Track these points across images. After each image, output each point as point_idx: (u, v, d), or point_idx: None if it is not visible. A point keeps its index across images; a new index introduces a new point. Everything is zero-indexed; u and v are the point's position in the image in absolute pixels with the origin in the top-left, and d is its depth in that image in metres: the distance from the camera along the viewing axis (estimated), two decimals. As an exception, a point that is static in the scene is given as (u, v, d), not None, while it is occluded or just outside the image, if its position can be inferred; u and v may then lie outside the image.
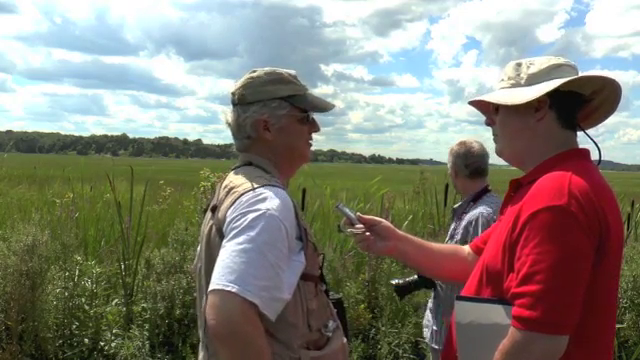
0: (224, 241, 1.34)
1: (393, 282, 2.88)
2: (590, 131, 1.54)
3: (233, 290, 1.23)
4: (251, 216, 1.32)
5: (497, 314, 1.32)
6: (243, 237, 1.30)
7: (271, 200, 1.36)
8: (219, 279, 1.26)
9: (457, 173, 2.94)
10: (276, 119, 1.54)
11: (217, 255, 1.36)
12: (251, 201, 1.36)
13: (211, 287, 1.27)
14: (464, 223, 2.79)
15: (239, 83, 1.58)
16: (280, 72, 1.58)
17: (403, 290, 2.85)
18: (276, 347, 1.34)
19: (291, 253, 1.37)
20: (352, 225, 1.75)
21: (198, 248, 1.74)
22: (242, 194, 1.39)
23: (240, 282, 1.24)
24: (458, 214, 2.91)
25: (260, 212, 1.33)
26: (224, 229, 1.37)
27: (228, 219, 1.37)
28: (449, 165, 3.00)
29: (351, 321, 4.40)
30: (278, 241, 1.32)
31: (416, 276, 2.80)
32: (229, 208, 1.39)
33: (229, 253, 1.29)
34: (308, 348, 1.41)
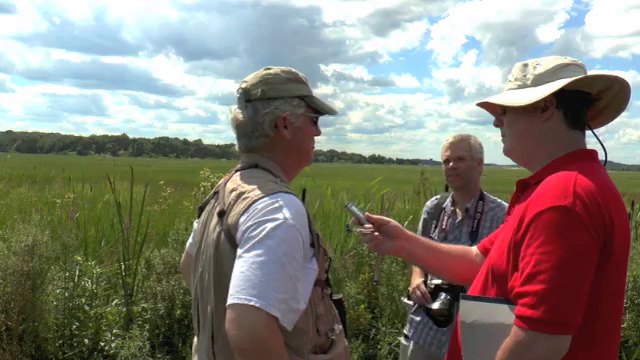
0: (241, 251, 1.30)
1: (434, 307, 2.41)
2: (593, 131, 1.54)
3: (257, 305, 1.21)
4: (269, 225, 1.29)
5: (501, 313, 1.32)
6: (262, 249, 1.26)
7: (287, 208, 1.32)
8: (239, 293, 1.23)
9: (481, 170, 2.78)
10: (295, 117, 1.51)
11: (227, 262, 1.33)
12: (267, 209, 1.32)
13: (231, 301, 1.24)
14: (494, 224, 2.65)
15: (255, 79, 1.53)
16: (295, 72, 1.57)
17: (450, 312, 2.40)
18: (288, 354, 1.32)
19: (305, 261, 1.35)
20: (360, 225, 1.75)
21: (187, 244, 1.70)
22: (255, 201, 1.35)
23: (262, 296, 1.22)
24: (471, 213, 2.73)
25: (278, 222, 1.29)
26: (237, 237, 1.34)
27: (242, 227, 1.33)
28: (476, 158, 2.75)
29: (351, 321, 4.40)
30: (296, 251, 1.30)
31: (444, 293, 2.45)
32: (242, 215, 1.35)
33: (248, 265, 1.26)
34: (315, 352, 1.41)
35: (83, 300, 4.06)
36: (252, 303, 1.21)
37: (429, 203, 3.00)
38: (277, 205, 1.33)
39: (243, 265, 1.26)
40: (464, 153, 2.74)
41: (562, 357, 1.26)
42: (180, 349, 3.97)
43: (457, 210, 2.81)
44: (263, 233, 1.28)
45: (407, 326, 2.91)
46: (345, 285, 4.65)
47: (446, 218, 2.82)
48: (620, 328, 1.45)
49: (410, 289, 2.79)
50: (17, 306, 3.63)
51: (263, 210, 1.32)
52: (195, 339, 1.60)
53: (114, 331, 3.92)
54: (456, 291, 2.43)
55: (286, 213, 1.31)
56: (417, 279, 2.75)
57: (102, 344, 3.86)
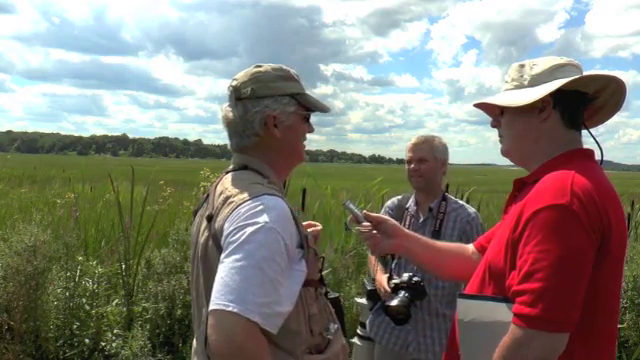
0: (222, 256, 1.30)
1: (392, 304, 2.44)
2: (590, 130, 1.55)
3: (234, 310, 1.20)
4: (249, 230, 1.28)
5: (499, 311, 1.32)
6: (241, 253, 1.26)
7: (269, 212, 1.31)
8: (219, 298, 1.23)
9: (445, 171, 2.81)
10: (286, 116, 1.50)
11: (215, 266, 1.33)
12: (248, 213, 1.31)
13: (211, 307, 1.24)
14: (457, 224, 2.71)
15: (245, 77, 1.52)
16: (287, 69, 1.55)
17: (407, 309, 2.43)
18: (280, 356, 1.32)
19: (292, 262, 1.34)
20: (359, 223, 1.76)
21: (191, 252, 1.72)
22: (239, 205, 1.34)
23: (240, 301, 1.21)
24: (434, 213, 2.76)
25: (258, 226, 1.28)
26: (222, 242, 1.34)
27: (225, 232, 1.33)
28: (439, 159, 2.77)
29: (351, 321, 4.40)
30: (276, 255, 1.28)
31: (404, 291, 2.47)
32: (226, 219, 1.35)
33: (227, 270, 1.25)
34: (310, 353, 1.40)
35: (84, 300, 4.07)
36: (230, 309, 1.20)
37: (390, 203, 2.99)
38: (259, 209, 1.32)
39: (223, 270, 1.26)
40: (425, 155, 2.76)
41: (560, 354, 1.27)
42: (180, 349, 3.98)
43: (419, 210, 2.83)
44: (242, 238, 1.27)
45: (367, 326, 2.88)
46: (345, 285, 4.66)
47: (409, 218, 2.84)
48: (617, 325, 1.46)
49: (375, 286, 2.76)
50: (19, 306, 3.64)
51: (245, 214, 1.31)
52: (194, 341, 1.60)
53: (115, 331, 3.92)
54: (416, 290, 2.48)
55: (267, 216, 1.30)
56: (382, 276, 2.73)
57: (103, 344, 3.87)
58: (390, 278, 2.65)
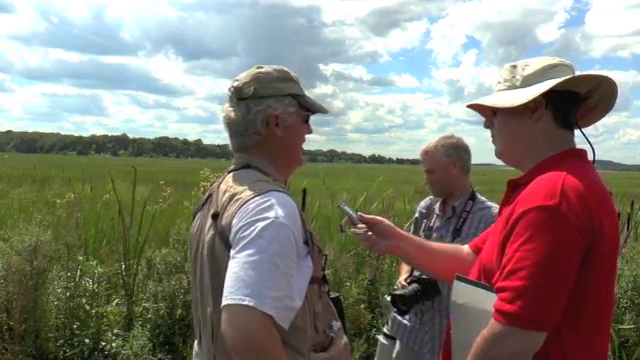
0: (233, 252, 1.30)
1: (397, 292, 2.54)
2: (590, 130, 1.56)
3: (250, 304, 1.21)
4: (260, 225, 1.29)
5: (490, 301, 1.33)
6: (254, 248, 1.27)
7: (278, 207, 1.33)
8: (233, 293, 1.23)
9: (463, 169, 2.78)
10: (287, 116, 1.52)
11: (223, 264, 1.33)
12: (258, 209, 1.32)
13: (225, 302, 1.23)
14: (481, 224, 2.66)
15: (247, 77, 1.54)
16: (287, 70, 1.58)
17: (410, 300, 2.51)
18: (288, 353, 1.32)
19: (299, 258, 1.35)
20: (354, 225, 1.77)
21: (192, 252, 1.72)
22: (247, 201, 1.35)
23: (255, 295, 1.21)
24: (458, 211, 2.75)
25: (269, 221, 1.29)
26: (230, 238, 1.34)
27: (235, 228, 1.33)
28: (446, 163, 2.75)
29: (351, 321, 4.41)
30: (288, 250, 1.30)
31: (416, 284, 2.55)
32: (234, 216, 1.35)
33: (241, 265, 1.26)
34: (315, 350, 1.42)
35: (84, 300, 4.08)
36: (246, 303, 1.21)
37: (422, 203, 3.05)
38: (268, 204, 1.33)
39: (236, 266, 1.26)
40: (430, 165, 2.79)
41: (555, 351, 1.30)
42: (181, 349, 3.98)
43: (446, 209, 2.85)
44: (254, 233, 1.28)
45: (390, 325, 2.92)
46: (345, 285, 4.66)
47: (435, 217, 2.87)
48: (611, 323, 1.47)
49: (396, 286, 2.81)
50: (19, 306, 3.64)
51: (254, 210, 1.32)
52: (195, 342, 1.60)
53: (115, 331, 3.93)
54: (426, 284, 2.54)
55: (277, 212, 1.31)
56: (402, 277, 2.77)
57: (103, 344, 3.87)
58: (410, 275, 2.72)
